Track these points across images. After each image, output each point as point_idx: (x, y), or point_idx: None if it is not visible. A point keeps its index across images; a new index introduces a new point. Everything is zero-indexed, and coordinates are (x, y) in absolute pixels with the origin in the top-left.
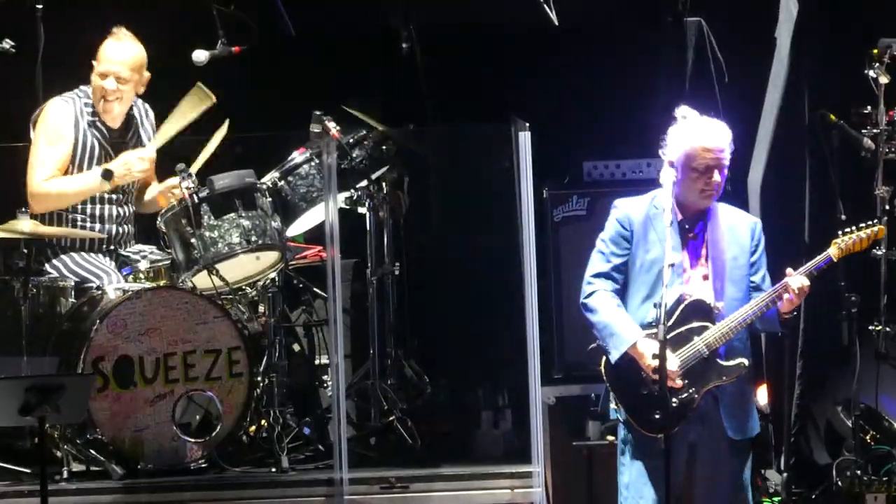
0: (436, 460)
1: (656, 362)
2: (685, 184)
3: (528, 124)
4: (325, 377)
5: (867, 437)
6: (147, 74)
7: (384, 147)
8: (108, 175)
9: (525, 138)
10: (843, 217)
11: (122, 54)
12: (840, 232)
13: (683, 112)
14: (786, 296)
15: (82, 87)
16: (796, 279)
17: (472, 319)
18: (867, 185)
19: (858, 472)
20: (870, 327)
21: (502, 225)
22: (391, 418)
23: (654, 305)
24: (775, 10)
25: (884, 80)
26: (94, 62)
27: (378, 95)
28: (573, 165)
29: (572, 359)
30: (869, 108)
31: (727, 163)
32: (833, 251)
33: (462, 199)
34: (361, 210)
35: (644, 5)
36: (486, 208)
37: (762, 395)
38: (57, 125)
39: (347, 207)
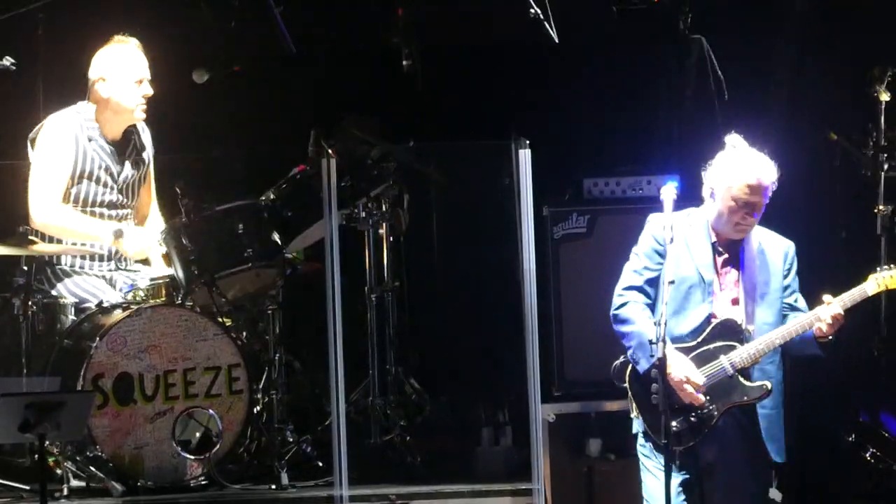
0: (436, 477)
1: (682, 374)
2: (721, 214)
3: (528, 141)
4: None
5: (867, 455)
6: None
7: (384, 164)
8: (118, 234)
9: (525, 155)
10: (844, 235)
11: (142, 58)
12: (878, 268)
13: (733, 141)
14: (817, 324)
15: (80, 104)
16: (828, 310)
17: (472, 337)
18: (868, 203)
19: (859, 489)
20: (871, 345)
21: (502, 242)
22: (391, 435)
23: (655, 323)
24: (776, 28)
25: (884, 97)
26: (104, 77)
27: (378, 113)
28: (573, 183)
29: (572, 376)
30: (870, 125)
31: (763, 202)
32: (870, 286)
33: (462, 217)
34: (361, 227)
35: (645, 23)
36: (486, 225)
37: None
38: (57, 143)
39: (347, 224)
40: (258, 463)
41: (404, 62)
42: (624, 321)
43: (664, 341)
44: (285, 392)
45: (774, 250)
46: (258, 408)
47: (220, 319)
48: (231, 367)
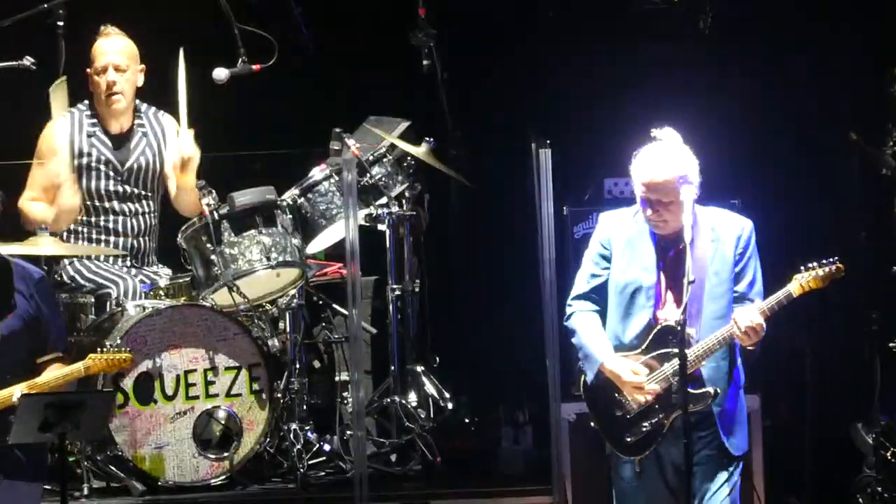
0: (456, 477)
1: (632, 378)
2: None
3: (548, 141)
4: (345, 394)
5: (888, 454)
6: (142, 66)
7: (404, 164)
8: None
9: (545, 155)
10: (864, 235)
11: (114, 45)
12: (802, 267)
13: (660, 133)
14: (733, 331)
15: (85, 101)
16: (744, 316)
17: (492, 336)
18: (888, 203)
19: (879, 488)
20: (890, 344)
21: (522, 242)
22: (411, 435)
23: (675, 323)
24: (793, 28)
25: None
26: (88, 70)
27: (398, 112)
28: (594, 182)
29: None
30: (889, 125)
31: (669, 199)
32: (794, 287)
33: (483, 216)
34: (382, 227)
35: (666, 22)
36: (506, 225)
37: None
38: (46, 145)
39: (368, 224)
40: (278, 463)
41: (424, 62)
42: (571, 332)
43: (684, 340)
44: (306, 392)
45: (727, 236)
46: (279, 407)
47: (240, 319)
48: (251, 366)
